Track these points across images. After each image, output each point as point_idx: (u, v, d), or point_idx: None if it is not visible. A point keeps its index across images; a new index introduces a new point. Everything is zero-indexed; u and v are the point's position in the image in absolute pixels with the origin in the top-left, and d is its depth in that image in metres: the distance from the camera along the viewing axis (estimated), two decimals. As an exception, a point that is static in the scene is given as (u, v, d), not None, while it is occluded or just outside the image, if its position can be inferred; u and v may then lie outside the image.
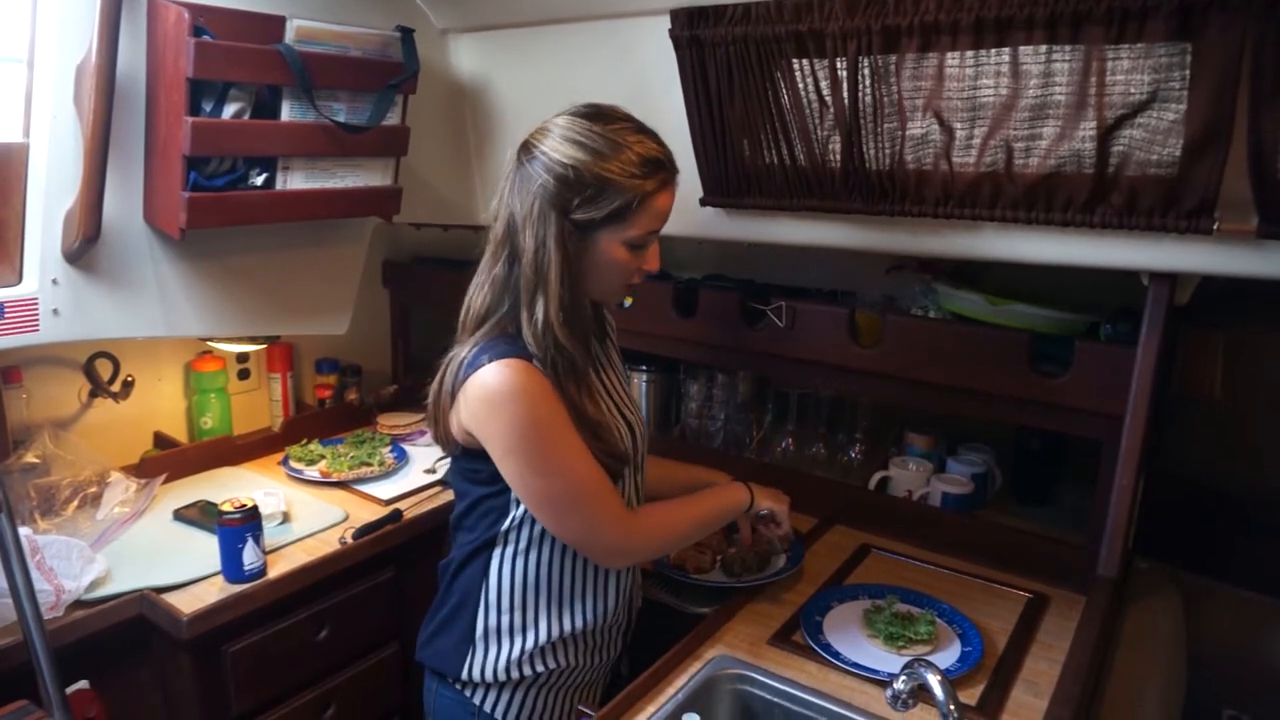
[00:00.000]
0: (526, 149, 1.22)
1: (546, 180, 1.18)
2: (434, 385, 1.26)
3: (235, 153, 1.60)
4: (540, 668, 1.31)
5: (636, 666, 1.46)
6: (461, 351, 1.22)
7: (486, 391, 1.17)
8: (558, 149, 1.18)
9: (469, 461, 1.27)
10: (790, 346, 1.84)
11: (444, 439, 1.28)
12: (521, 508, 1.26)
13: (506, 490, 1.25)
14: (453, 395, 1.22)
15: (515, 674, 1.31)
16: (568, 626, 1.32)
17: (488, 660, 1.31)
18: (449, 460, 2.09)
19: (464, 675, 1.31)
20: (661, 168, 1.22)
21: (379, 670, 1.86)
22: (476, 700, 1.33)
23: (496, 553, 1.29)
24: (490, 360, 1.17)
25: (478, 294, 1.25)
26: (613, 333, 1.47)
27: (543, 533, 1.28)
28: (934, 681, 1.05)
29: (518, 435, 1.17)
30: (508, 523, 1.27)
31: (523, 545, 1.28)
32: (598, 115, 1.21)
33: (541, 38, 1.83)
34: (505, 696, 1.33)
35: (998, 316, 1.63)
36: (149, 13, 1.51)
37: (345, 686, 1.79)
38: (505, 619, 1.30)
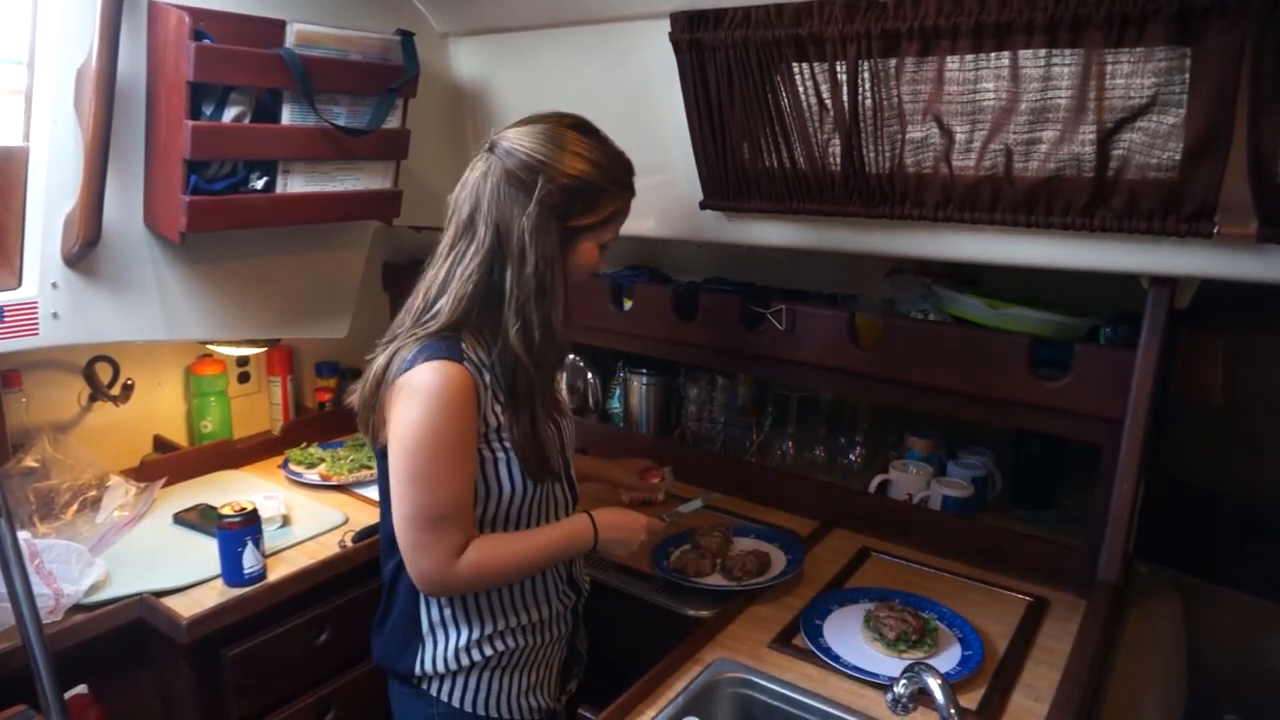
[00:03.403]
0: (509, 153, 1.21)
1: (549, 189, 1.20)
2: (370, 374, 1.26)
3: (236, 156, 1.60)
4: (489, 651, 1.32)
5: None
6: (406, 347, 1.22)
7: (413, 385, 1.18)
8: (553, 155, 1.21)
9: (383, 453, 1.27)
10: (790, 349, 1.84)
11: (373, 430, 1.28)
12: None
13: None
14: (386, 387, 1.22)
15: (465, 660, 1.32)
16: (512, 620, 1.33)
17: (437, 651, 1.32)
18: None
19: (417, 670, 1.33)
20: (634, 174, 1.32)
21: (379, 674, 1.85)
22: (434, 692, 1.34)
23: None
24: (426, 360, 1.19)
25: (459, 302, 1.23)
26: None
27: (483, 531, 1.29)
28: (934, 685, 1.05)
29: (417, 435, 1.18)
30: None
31: None
32: (575, 124, 1.27)
33: (542, 41, 1.83)
34: (460, 682, 1.33)
35: (998, 320, 1.63)
36: (149, 16, 1.51)
37: (345, 690, 1.78)
38: (448, 612, 1.32)
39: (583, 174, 1.22)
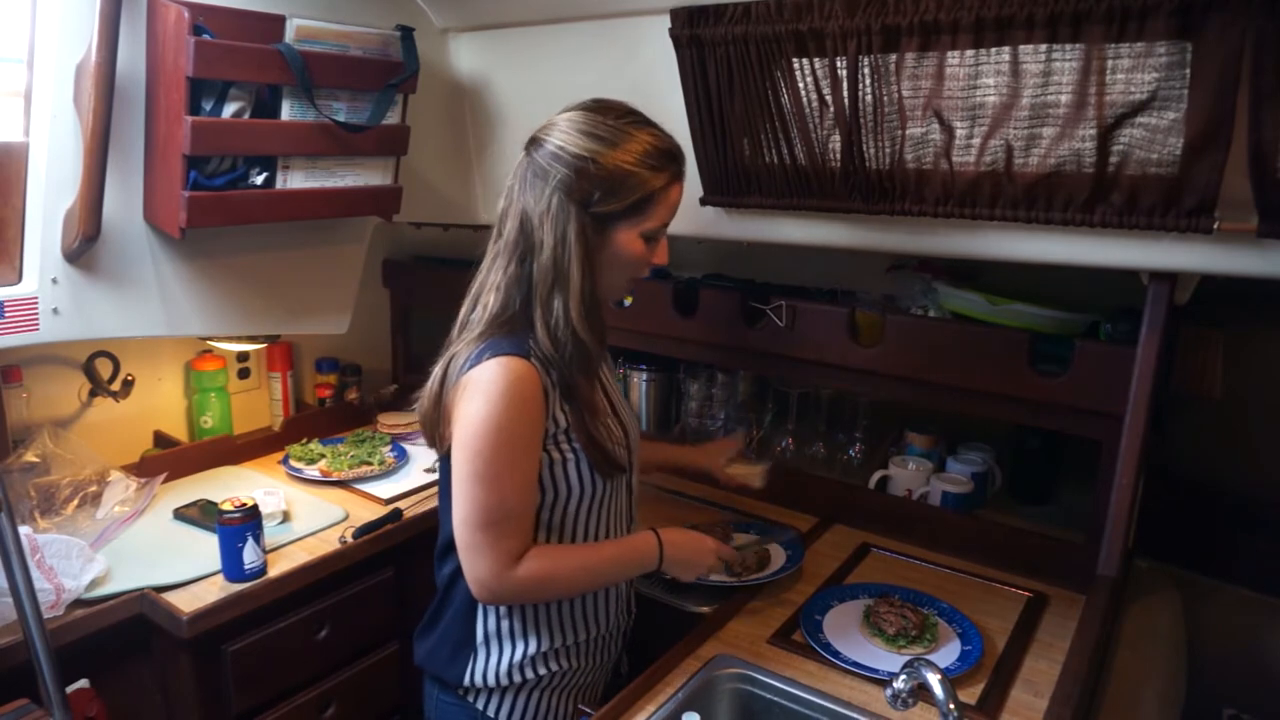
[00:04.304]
0: (537, 144, 1.22)
1: (566, 175, 1.17)
2: (430, 385, 1.25)
3: (235, 152, 1.60)
4: (543, 670, 1.31)
5: (636, 665, 1.46)
6: (462, 350, 1.21)
7: (477, 381, 1.17)
8: (575, 141, 1.18)
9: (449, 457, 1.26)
10: (790, 346, 1.84)
11: (439, 439, 1.26)
12: None
13: None
14: (449, 384, 1.21)
15: (518, 678, 1.30)
16: (569, 637, 1.32)
17: (489, 665, 1.30)
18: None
19: (466, 681, 1.31)
20: (675, 159, 1.24)
21: (379, 669, 1.86)
22: (479, 705, 1.33)
23: None
24: (491, 356, 1.17)
25: (491, 296, 1.23)
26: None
27: (544, 535, 1.28)
28: (934, 680, 1.05)
29: (480, 431, 1.16)
30: None
31: None
32: (609, 109, 1.22)
33: (541, 37, 1.83)
34: (509, 700, 1.32)
35: (998, 316, 1.63)
36: (149, 12, 1.51)
37: (345, 686, 1.79)
38: (505, 624, 1.30)
39: (593, 154, 1.17)
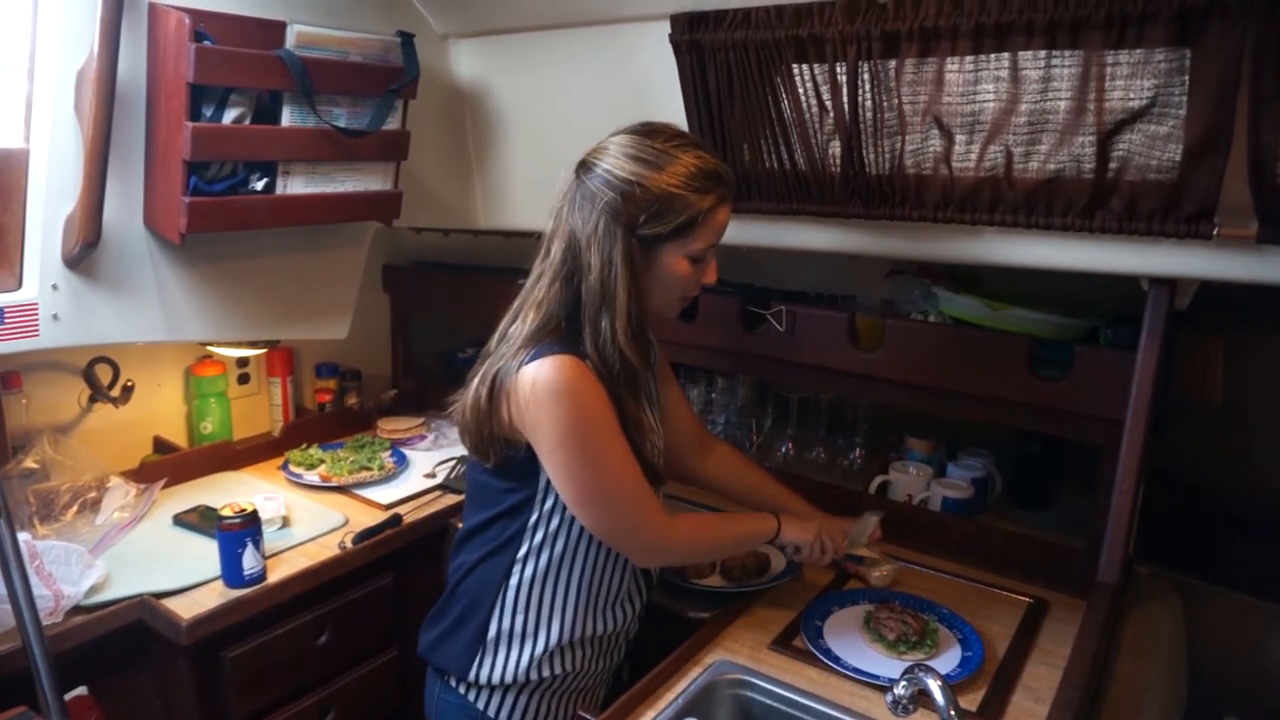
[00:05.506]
0: (586, 167, 1.23)
1: (612, 198, 1.19)
2: (471, 396, 1.26)
3: (236, 157, 1.60)
4: (547, 672, 1.32)
5: (637, 671, 1.46)
6: (509, 359, 1.22)
7: (540, 384, 1.18)
8: (622, 165, 1.20)
9: (500, 462, 1.27)
10: (790, 351, 1.84)
11: (484, 446, 1.27)
12: (544, 507, 1.27)
13: (531, 488, 1.26)
14: (500, 395, 1.22)
15: (523, 678, 1.31)
16: (580, 631, 1.32)
17: (497, 663, 1.31)
18: (449, 465, 2.10)
19: (471, 677, 1.31)
20: (721, 181, 1.24)
21: (379, 675, 1.86)
22: (480, 704, 1.33)
23: (519, 553, 1.29)
24: (546, 355, 1.18)
25: (532, 311, 1.24)
26: (654, 356, 1.47)
27: (563, 534, 1.28)
28: (934, 687, 1.05)
29: (571, 429, 1.18)
30: (533, 518, 1.28)
31: (544, 545, 1.29)
32: (657, 133, 1.23)
33: (542, 43, 1.83)
34: (510, 700, 1.33)
35: (997, 321, 1.63)
36: (149, 18, 1.52)
37: (345, 691, 1.79)
38: (519, 621, 1.30)
39: (639, 177, 1.19)
